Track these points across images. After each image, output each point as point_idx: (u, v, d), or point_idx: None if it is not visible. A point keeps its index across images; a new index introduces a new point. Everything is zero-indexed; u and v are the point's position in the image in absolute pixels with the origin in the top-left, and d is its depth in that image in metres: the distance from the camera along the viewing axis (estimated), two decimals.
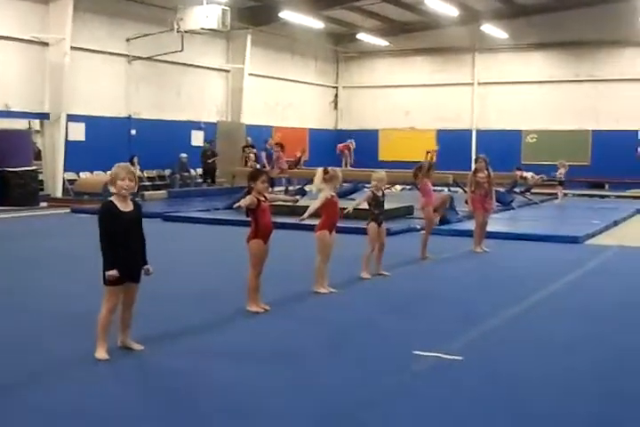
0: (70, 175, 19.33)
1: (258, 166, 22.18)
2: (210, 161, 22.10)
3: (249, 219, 6.70)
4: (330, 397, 4.62)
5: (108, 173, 5.36)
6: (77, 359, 5.24)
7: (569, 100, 26.37)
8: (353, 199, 19.47)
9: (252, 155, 21.69)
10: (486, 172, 10.87)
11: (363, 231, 9.00)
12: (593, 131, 26.13)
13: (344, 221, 8.02)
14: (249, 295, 6.76)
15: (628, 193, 23.08)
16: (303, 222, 7.74)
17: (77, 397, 4.56)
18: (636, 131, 25.64)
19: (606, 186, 25.15)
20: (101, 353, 5.20)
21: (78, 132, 19.55)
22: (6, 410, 4.31)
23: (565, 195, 21.04)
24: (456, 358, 5.42)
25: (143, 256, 5.42)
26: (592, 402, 4.65)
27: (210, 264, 9.77)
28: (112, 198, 5.34)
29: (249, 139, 23.60)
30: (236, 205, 6.70)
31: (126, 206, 5.31)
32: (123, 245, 5.24)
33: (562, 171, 20.50)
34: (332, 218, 7.71)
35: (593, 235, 12.90)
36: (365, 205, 8.77)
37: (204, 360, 5.33)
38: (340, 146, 25.97)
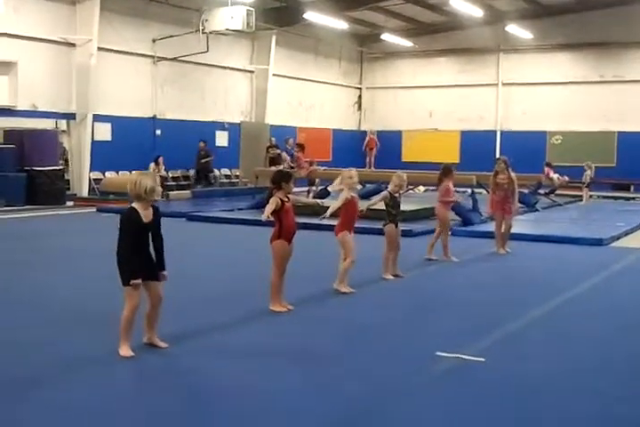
0: (96, 175, 19.53)
1: (282, 167, 22.25)
2: (203, 161, 21.67)
3: (272, 219, 6.76)
4: (349, 397, 4.65)
5: (134, 179, 5.31)
6: (99, 356, 5.32)
7: (594, 102, 26.15)
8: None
9: (284, 154, 21.53)
10: (506, 173, 10.82)
11: (377, 232, 9.02)
12: (618, 132, 25.89)
13: (358, 221, 8.02)
14: (272, 295, 6.82)
15: None
16: (323, 222, 7.83)
17: (95, 393, 4.63)
18: None
19: (632, 188, 24.92)
20: (125, 351, 5.28)
21: (104, 132, 19.75)
22: (27, 406, 4.40)
23: (590, 197, 20.91)
24: (478, 359, 5.43)
25: (161, 260, 5.49)
26: (614, 404, 4.64)
27: (233, 264, 9.83)
28: (135, 206, 5.37)
29: (273, 139, 23.66)
30: (264, 218, 6.73)
31: (148, 213, 5.37)
32: (142, 250, 5.35)
33: (588, 173, 20.38)
34: (350, 218, 7.77)
35: (618, 237, 12.82)
36: (382, 206, 8.75)
37: (227, 359, 5.39)
38: (367, 143, 25.74)
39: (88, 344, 5.65)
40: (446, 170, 10.34)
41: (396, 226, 8.70)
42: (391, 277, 8.55)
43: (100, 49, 18.92)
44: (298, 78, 26.59)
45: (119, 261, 5.33)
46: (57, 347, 5.60)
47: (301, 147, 19.86)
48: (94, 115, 19.04)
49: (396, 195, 8.71)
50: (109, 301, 6.39)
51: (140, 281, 5.26)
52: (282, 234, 6.74)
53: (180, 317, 6.31)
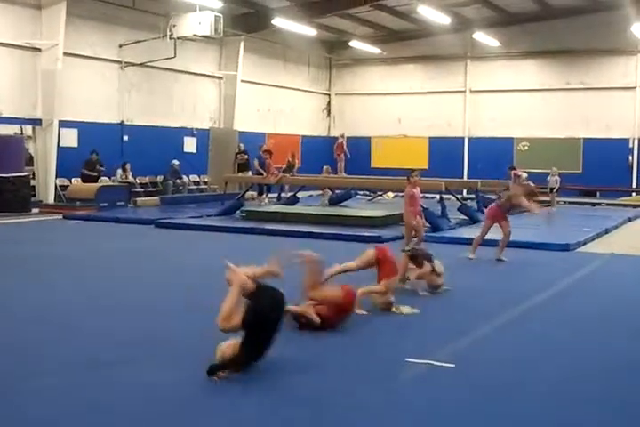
0: (62, 181, 19.29)
1: (250, 174, 22.17)
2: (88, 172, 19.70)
3: None
4: (323, 406, 4.62)
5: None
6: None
7: (560, 108, 26.48)
8: (345, 206, 19.66)
9: (255, 161, 21.32)
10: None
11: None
12: (584, 139, 26.24)
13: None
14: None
15: (619, 201, 23.19)
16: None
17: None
18: (627, 139, 25.77)
19: (598, 194, 25.25)
20: None
21: (70, 139, 19.52)
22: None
23: (557, 202, 21.12)
24: (448, 365, 5.43)
25: None
26: (586, 408, 4.66)
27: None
28: None
29: (242, 145, 23.60)
30: None
31: None
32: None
33: (553, 179, 20.59)
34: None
35: (584, 242, 12.95)
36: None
37: None
38: (336, 148, 25.79)
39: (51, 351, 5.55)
40: (408, 176, 10.22)
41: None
42: None
43: (66, 54, 18.71)
44: (266, 84, 26.57)
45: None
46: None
47: (269, 153, 19.84)
48: (60, 120, 18.81)
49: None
50: (60, 310, 6.30)
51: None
52: None
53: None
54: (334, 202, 20.47)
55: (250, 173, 22.17)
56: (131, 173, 20.62)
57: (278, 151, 21.50)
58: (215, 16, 19.70)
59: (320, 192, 22.25)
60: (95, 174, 19.58)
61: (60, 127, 18.88)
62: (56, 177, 18.95)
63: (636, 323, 7.14)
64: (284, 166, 20.92)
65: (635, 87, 25.61)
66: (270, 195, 21.01)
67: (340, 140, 25.87)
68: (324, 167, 21.58)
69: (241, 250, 12.18)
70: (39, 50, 18.51)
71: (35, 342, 5.96)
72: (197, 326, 6.20)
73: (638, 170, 25.61)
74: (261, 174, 19.81)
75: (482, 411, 4.57)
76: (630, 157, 25.71)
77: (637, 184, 25.50)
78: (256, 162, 21.47)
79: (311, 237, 13.35)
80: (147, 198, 20.08)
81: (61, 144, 19.02)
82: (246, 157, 22.88)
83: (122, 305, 7.41)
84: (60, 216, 16.54)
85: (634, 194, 24.65)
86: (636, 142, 25.69)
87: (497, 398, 4.83)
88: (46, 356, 5.57)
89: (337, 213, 16.14)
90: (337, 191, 21.22)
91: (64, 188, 19.07)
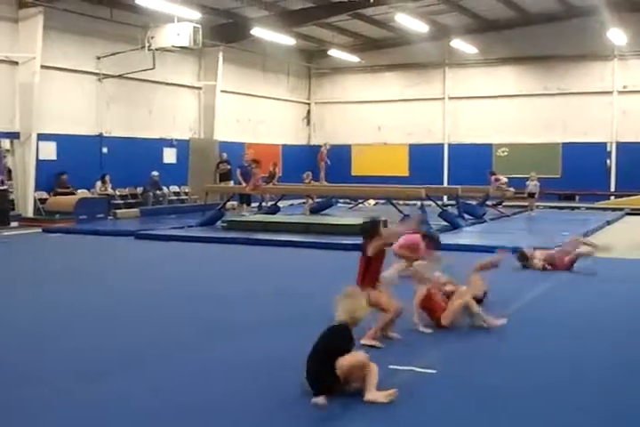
0: (41, 194, 19.16)
1: (232, 183, 22.10)
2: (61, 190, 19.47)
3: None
4: (306, 412, 4.61)
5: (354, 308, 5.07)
6: None
7: (538, 114, 26.68)
8: (327, 215, 19.69)
9: (238, 171, 21.26)
10: None
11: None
12: (563, 144, 26.44)
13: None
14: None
15: (597, 205, 23.40)
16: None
17: None
18: (605, 143, 26.00)
19: (577, 198, 25.45)
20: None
21: (49, 151, 19.41)
22: None
23: (537, 207, 21.26)
24: (430, 371, 5.44)
25: None
26: (570, 415, 4.68)
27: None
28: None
29: (224, 155, 23.55)
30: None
31: None
32: None
33: (532, 183, 20.75)
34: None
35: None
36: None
37: None
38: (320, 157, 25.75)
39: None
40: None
41: None
42: None
43: (43, 67, 18.62)
44: (246, 94, 26.59)
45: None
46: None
47: (257, 162, 19.55)
48: (39, 134, 18.69)
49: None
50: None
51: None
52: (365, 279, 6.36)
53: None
54: (315, 210, 20.50)
55: (232, 183, 22.12)
56: (110, 185, 20.53)
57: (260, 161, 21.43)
58: (194, 27, 19.68)
59: (303, 201, 22.28)
60: (68, 190, 19.45)
61: (38, 140, 18.75)
62: (35, 190, 18.83)
63: (617, 323, 7.18)
64: (266, 176, 20.91)
65: (611, 92, 25.87)
66: (253, 204, 20.99)
67: (321, 149, 25.88)
68: (306, 173, 21.61)
69: (223, 260, 12.18)
70: (16, 63, 18.41)
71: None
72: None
73: (616, 174, 25.83)
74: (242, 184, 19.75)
75: (466, 416, 4.58)
76: (608, 161, 25.94)
77: (615, 188, 25.71)
78: (238, 172, 21.44)
79: (292, 245, 13.36)
80: (127, 210, 19.99)
81: (40, 157, 18.89)
82: (229, 166, 22.82)
83: (90, 315, 7.38)
84: (40, 229, 16.43)
85: (612, 197, 24.87)
86: (614, 146, 25.93)
87: (479, 404, 4.84)
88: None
89: (318, 222, 16.16)
90: (318, 200, 21.26)
91: (43, 201, 18.94)
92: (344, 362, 4.82)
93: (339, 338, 4.98)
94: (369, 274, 6.41)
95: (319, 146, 26.69)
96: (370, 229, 6.51)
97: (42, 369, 5.54)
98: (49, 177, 18.99)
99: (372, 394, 4.77)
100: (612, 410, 4.75)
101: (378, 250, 6.38)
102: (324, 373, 4.82)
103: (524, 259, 10.60)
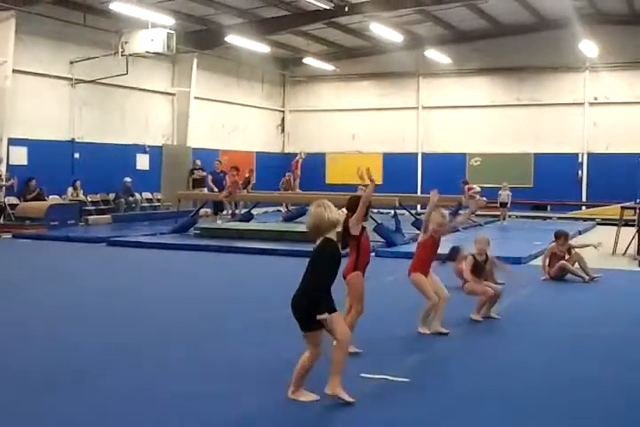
0: (12, 200, 18.91)
1: (206, 190, 22.01)
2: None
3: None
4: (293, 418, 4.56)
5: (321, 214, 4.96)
6: None
7: (511, 124, 26.91)
8: (300, 223, 19.63)
9: (210, 176, 21.20)
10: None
11: None
12: (535, 154, 26.66)
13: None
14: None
15: (569, 214, 23.63)
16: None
17: None
18: (576, 154, 26.26)
19: (548, 208, 25.68)
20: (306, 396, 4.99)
21: (20, 156, 19.19)
22: None
23: (509, 216, 21.41)
24: (403, 380, 5.42)
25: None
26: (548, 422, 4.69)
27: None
28: (332, 237, 4.97)
29: (198, 161, 23.45)
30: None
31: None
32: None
33: (504, 193, 20.91)
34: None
35: (536, 256, 13.11)
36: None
37: None
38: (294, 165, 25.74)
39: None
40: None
41: None
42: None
43: (15, 71, 18.46)
44: (220, 101, 26.52)
45: (310, 302, 4.78)
46: None
47: (237, 170, 19.38)
48: (10, 138, 18.51)
49: (481, 258, 8.01)
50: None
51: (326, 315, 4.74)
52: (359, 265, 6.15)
53: None
54: (289, 218, 20.47)
55: (205, 190, 22.04)
56: (82, 191, 20.34)
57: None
58: (168, 33, 19.62)
59: (278, 208, 22.28)
60: (36, 195, 19.11)
61: (9, 145, 18.57)
62: (5, 195, 18.59)
63: (580, 331, 7.23)
64: (242, 183, 20.83)
65: (583, 103, 26.16)
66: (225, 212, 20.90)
67: (297, 158, 25.87)
68: (287, 174, 21.51)
69: (196, 267, 12.10)
70: None
71: None
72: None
73: (588, 184, 26.10)
74: (215, 191, 19.70)
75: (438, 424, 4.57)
76: (580, 172, 26.20)
77: (587, 198, 25.96)
78: (210, 178, 21.38)
79: (265, 253, 13.34)
80: (98, 216, 19.83)
81: (11, 162, 18.70)
82: (203, 173, 22.75)
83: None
84: (10, 235, 16.23)
85: (584, 207, 25.12)
86: (585, 157, 26.21)
87: (453, 413, 4.83)
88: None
89: (291, 230, 16.13)
90: (292, 207, 21.24)
91: (13, 206, 18.69)
92: (338, 325, 4.82)
93: (322, 250, 4.95)
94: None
95: (294, 154, 26.75)
96: (354, 204, 6.23)
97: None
98: (19, 182, 18.75)
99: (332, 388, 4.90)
100: (580, 417, 4.77)
101: (359, 222, 6.13)
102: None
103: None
